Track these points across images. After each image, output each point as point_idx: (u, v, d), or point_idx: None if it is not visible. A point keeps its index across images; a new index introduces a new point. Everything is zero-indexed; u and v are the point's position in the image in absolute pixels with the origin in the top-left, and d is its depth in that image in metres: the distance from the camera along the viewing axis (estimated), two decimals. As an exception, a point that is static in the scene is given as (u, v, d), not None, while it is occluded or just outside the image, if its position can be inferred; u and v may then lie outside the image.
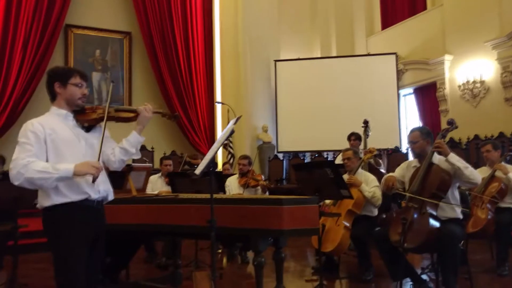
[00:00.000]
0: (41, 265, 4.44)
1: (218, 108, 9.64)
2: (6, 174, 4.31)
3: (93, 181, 2.03)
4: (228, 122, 3.11)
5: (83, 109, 2.18)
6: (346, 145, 5.29)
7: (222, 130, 9.26)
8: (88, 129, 2.18)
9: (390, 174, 3.38)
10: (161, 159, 5.38)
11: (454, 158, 2.98)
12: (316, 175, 3.45)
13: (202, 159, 2.81)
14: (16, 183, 1.93)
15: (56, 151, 2.04)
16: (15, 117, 7.78)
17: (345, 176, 3.93)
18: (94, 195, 2.11)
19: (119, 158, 2.24)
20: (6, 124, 7.70)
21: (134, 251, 3.88)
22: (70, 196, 2.04)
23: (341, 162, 4.25)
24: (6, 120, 7.68)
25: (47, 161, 2.01)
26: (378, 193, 3.91)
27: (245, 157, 5.14)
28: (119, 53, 9.51)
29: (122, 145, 2.22)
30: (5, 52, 7.70)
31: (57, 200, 2.02)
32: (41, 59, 8.05)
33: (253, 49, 9.45)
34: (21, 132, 2.03)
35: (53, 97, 2.17)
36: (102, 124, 2.16)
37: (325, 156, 8.82)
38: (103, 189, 2.18)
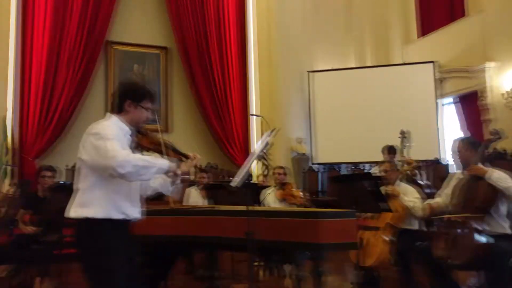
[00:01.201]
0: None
1: (253, 120, 9.70)
2: (59, 185, 4.53)
3: (173, 183, 2.13)
4: (263, 134, 3.12)
5: (138, 131, 2.22)
6: (384, 157, 5.18)
7: (257, 141, 9.29)
8: (133, 150, 2.21)
9: (436, 200, 3.26)
10: (199, 170, 5.49)
11: (492, 178, 2.84)
12: (354, 188, 3.40)
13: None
14: (122, 171, 1.89)
15: None
16: (59, 132, 8.13)
17: (383, 189, 3.84)
18: (131, 217, 2.14)
19: (156, 188, 2.31)
20: (51, 137, 8.06)
21: (173, 262, 3.93)
22: (114, 213, 2.05)
23: (378, 175, 4.16)
24: (52, 134, 8.04)
25: None
26: (418, 204, 3.80)
27: (280, 167, 5.21)
28: (156, 68, 9.79)
29: (160, 179, 2.25)
30: (51, 70, 8.10)
31: (107, 214, 2.03)
32: (84, 74, 8.41)
33: (287, 61, 9.47)
34: (104, 130, 2.01)
35: (118, 108, 2.16)
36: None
37: (362, 168, 8.65)
38: (140, 212, 2.21)
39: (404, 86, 8.96)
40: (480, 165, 3.00)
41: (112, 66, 9.36)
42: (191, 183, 5.41)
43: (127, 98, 2.14)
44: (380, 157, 5.00)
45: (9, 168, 7.38)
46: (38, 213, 4.13)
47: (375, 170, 5.29)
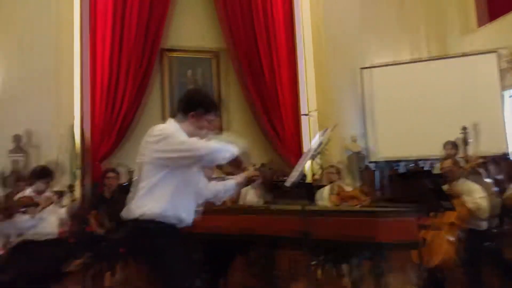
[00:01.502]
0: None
1: (305, 119, 9.65)
2: (123, 187, 4.82)
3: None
4: (316, 133, 3.12)
5: None
6: (443, 153, 4.95)
7: (310, 141, 9.23)
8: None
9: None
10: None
11: None
12: (413, 186, 3.31)
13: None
14: (202, 152, 1.97)
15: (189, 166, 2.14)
16: (121, 137, 8.59)
17: (445, 187, 3.68)
18: (184, 223, 2.16)
19: (209, 197, 2.37)
20: (115, 142, 8.54)
21: (231, 260, 4.03)
22: (170, 217, 2.08)
23: (440, 172, 3.99)
24: (115, 139, 8.53)
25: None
26: (484, 205, 3.59)
27: (332, 166, 5.19)
28: (209, 72, 10.03)
29: (219, 187, 2.31)
30: (112, 77, 8.59)
31: (158, 216, 2.03)
32: (141, 82, 8.83)
33: (338, 58, 9.32)
34: (170, 130, 2.06)
35: (182, 116, 2.18)
36: None
37: (422, 165, 8.30)
38: (190, 221, 2.23)
39: (465, 78, 8.49)
40: None
41: (166, 73, 9.72)
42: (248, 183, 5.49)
43: (196, 108, 2.15)
44: (440, 154, 4.78)
45: (78, 171, 7.92)
46: (106, 212, 4.41)
47: (437, 168, 5.07)
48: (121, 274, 4.35)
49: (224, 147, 2.04)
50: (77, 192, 7.59)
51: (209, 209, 3.47)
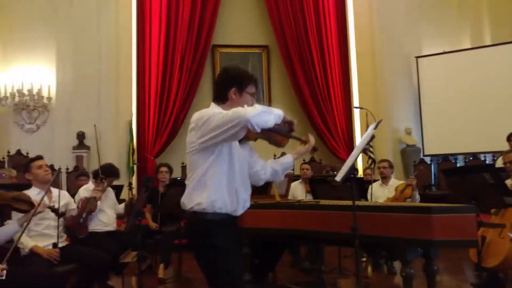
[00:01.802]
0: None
1: (356, 112, 9.42)
2: (174, 181, 5.00)
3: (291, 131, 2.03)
4: (367, 126, 3.04)
5: None
6: (506, 145, 4.62)
7: (361, 134, 9.00)
8: (239, 142, 2.11)
9: None
10: (301, 165, 5.61)
11: None
12: (472, 181, 3.12)
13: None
14: (249, 115, 1.81)
15: (231, 150, 2.04)
16: (176, 131, 8.91)
17: (509, 182, 3.44)
18: (238, 211, 2.09)
19: (267, 177, 2.23)
20: (169, 137, 8.87)
21: (280, 254, 4.05)
22: (225, 208, 2.02)
23: (502, 166, 3.73)
24: (169, 134, 8.86)
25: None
26: (554, 201, 3.31)
27: (384, 160, 5.05)
28: (258, 66, 10.08)
29: (275, 165, 2.17)
30: (166, 76, 8.91)
31: (208, 207, 1.98)
32: (194, 78, 9.08)
33: (391, 47, 8.98)
34: (208, 113, 1.97)
35: (222, 99, 2.09)
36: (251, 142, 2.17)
37: (483, 159, 7.82)
38: (246, 205, 2.16)
39: (532, 64, 7.86)
40: None
41: (217, 69, 9.91)
42: (295, 178, 5.50)
43: (232, 85, 2.05)
44: (503, 146, 4.47)
45: (135, 166, 8.32)
46: (159, 206, 4.60)
47: (499, 161, 4.75)
48: (174, 266, 4.54)
49: (270, 109, 1.93)
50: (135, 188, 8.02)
51: (258, 204, 3.53)
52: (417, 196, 4.61)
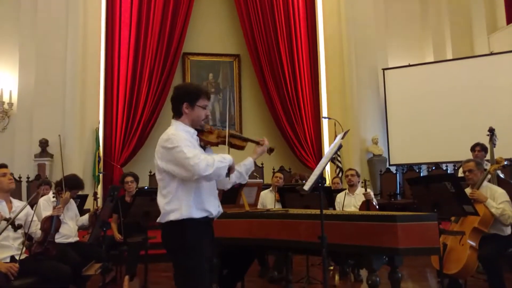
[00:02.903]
0: (169, 274, 4.87)
1: (325, 122, 9.58)
2: (141, 190, 4.90)
3: (228, 174, 2.19)
4: (336, 136, 3.09)
5: (202, 129, 2.32)
6: (468, 155, 4.81)
7: (330, 144, 9.15)
8: (203, 148, 2.31)
9: None
10: (274, 173, 5.64)
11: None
12: (434, 190, 3.21)
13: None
14: (206, 173, 2.05)
15: None
16: (143, 139, 8.76)
17: (467, 191, 3.58)
18: (214, 214, 2.26)
19: (233, 181, 2.37)
20: (137, 145, 8.71)
21: (249, 264, 4.02)
22: (196, 212, 2.16)
23: (462, 175, 3.88)
24: (137, 142, 8.69)
25: None
26: (509, 210, 3.48)
27: (351, 169, 5.18)
28: (230, 75, 10.11)
29: (239, 168, 2.30)
30: (135, 83, 8.77)
31: (185, 214, 2.12)
32: (163, 85, 8.98)
33: (359, 59, 9.23)
34: (176, 140, 2.12)
35: (177, 113, 2.27)
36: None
37: (444, 168, 8.12)
38: (221, 210, 2.33)
39: (490, 78, 8.26)
40: None
41: (188, 77, 9.86)
42: (265, 187, 5.51)
43: (184, 101, 2.24)
44: (464, 156, 4.65)
45: (101, 175, 8.10)
46: (126, 216, 4.48)
47: (460, 171, 4.93)
48: (140, 278, 4.42)
49: (223, 161, 2.12)
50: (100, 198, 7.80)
51: (227, 213, 3.51)
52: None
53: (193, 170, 2.06)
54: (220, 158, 2.13)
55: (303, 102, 9.53)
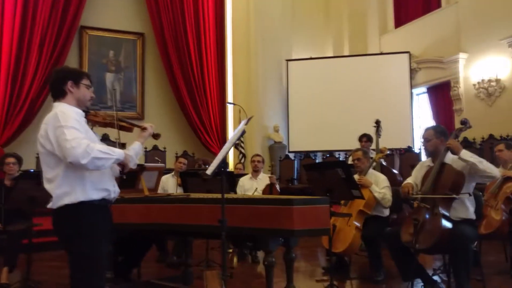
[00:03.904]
0: (56, 263, 4.52)
1: (230, 108, 9.68)
2: (25, 174, 4.41)
3: (123, 173, 2.16)
4: (240, 122, 3.14)
5: (87, 111, 2.26)
6: (358, 145, 5.27)
7: (234, 130, 9.28)
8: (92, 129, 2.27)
9: (407, 181, 3.36)
10: (177, 157, 5.56)
11: (466, 154, 2.94)
12: (327, 175, 3.45)
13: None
14: (83, 161, 1.93)
15: None
16: (31, 118, 7.92)
17: (356, 177, 3.91)
18: (113, 194, 2.19)
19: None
20: (23, 124, 7.84)
21: (146, 250, 3.92)
22: (94, 193, 2.07)
23: (352, 162, 4.24)
24: (23, 120, 7.83)
25: None
26: (389, 194, 3.90)
27: (258, 155, 5.36)
28: (132, 54, 9.60)
29: (128, 152, 2.24)
30: (22, 54, 7.84)
31: (81, 197, 2.03)
32: (56, 60, 8.18)
33: (265, 49, 9.46)
34: (63, 118, 2.01)
35: (61, 94, 2.18)
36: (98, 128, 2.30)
37: (337, 156, 8.79)
38: (117, 191, 2.25)
39: (380, 75, 9.10)
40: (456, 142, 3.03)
41: (86, 52, 9.12)
42: (167, 171, 5.39)
43: (68, 79, 2.16)
44: (356, 146, 5.08)
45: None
46: (6, 202, 4.02)
47: (350, 159, 5.38)
48: (22, 269, 4.02)
49: (108, 154, 2.03)
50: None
51: (124, 198, 3.35)
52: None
53: (67, 153, 1.93)
54: (105, 149, 2.01)
55: (209, 86, 9.47)
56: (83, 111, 2.21)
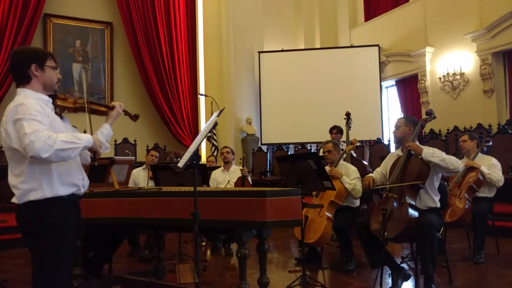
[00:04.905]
0: (21, 261, 4.37)
1: (202, 100, 9.59)
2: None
3: (94, 159, 2.04)
4: (212, 114, 3.11)
5: (55, 95, 2.09)
6: (329, 137, 5.34)
7: (206, 122, 9.21)
8: (60, 117, 2.10)
9: (370, 174, 3.44)
10: (148, 150, 5.48)
11: (427, 154, 3.04)
12: (299, 167, 3.48)
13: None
14: (44, 155, 1.79)
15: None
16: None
17: (327, 168, 3.97)
18: (82, 189, 2.07)
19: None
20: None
21: (117, 245, 3.85)
22: (62, 189, 1.96)
23: (323, 154, 4.29)
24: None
25: None
26: (359, 185, 3.98)
27: (227, 146, 5.33)
28: (100, 44, 9.34)
29: (97, 136, 2.12)
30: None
31: (48, 193, 1.92)
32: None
33: (237, 40, 9.40)
34: (22, 110, 1.86)
35: (24, 79, 2.00)
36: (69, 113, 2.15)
37: (309, 148, 8.89)
38: (87, 183, 2.14)
39: (350, 68, 9.24)
40: (416, 143, 3.18)
41: (50, 41, 8.81)
42: (137, 164, 5.29)
43: (31, 63, 1.98)
44: (327, 137, 5.15)
45: None
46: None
47: (321, 151, 5.45)
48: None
49: (73, 143, 1.88)
50: None
51: (93, 192, 3.28)
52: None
53: (27, 148, 1.80)
54: (70, 138, 1.87)
55: (180, 78, 9.35)
56: (51, 95, 2.05)
